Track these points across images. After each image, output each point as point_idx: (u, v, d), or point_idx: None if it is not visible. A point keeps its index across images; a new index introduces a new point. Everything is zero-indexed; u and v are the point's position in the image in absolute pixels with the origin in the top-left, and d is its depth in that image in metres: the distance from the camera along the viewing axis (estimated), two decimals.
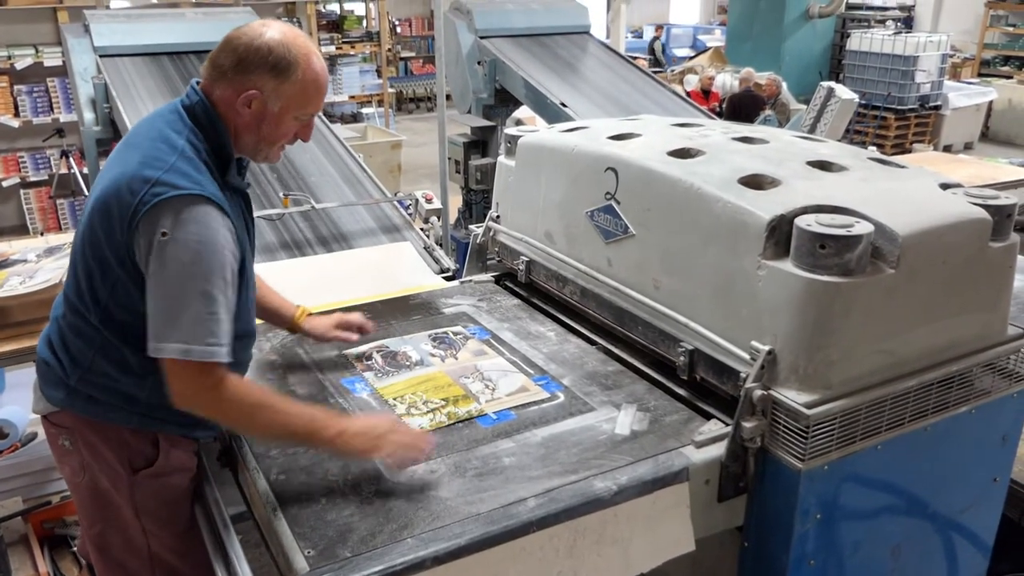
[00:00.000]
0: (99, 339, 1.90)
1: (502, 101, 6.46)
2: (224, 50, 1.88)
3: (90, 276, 1.87)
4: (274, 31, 1.87)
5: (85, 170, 6.49)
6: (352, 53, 12.28)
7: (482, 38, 6.38)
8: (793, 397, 1.80)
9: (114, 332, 1.89)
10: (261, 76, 1.85)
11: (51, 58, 8.22)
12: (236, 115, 1.89)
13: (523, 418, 2.04)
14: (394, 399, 2.13)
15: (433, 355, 2.36)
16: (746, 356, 1.89)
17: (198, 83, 1.93)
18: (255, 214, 3.89)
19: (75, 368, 1.94)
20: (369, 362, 2.32)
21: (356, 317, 2.39)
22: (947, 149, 11.77)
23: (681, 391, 2.13)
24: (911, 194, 2.02)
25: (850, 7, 15.23)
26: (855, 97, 8.64)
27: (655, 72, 9.42)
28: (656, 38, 17.58)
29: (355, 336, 2.36)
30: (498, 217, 2.92)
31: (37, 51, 8.30)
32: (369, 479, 1.80)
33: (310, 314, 2.39)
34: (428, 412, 2.06)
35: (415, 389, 2.17)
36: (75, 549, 3.11)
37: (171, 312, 1.75)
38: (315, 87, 1.92)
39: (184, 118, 1.89)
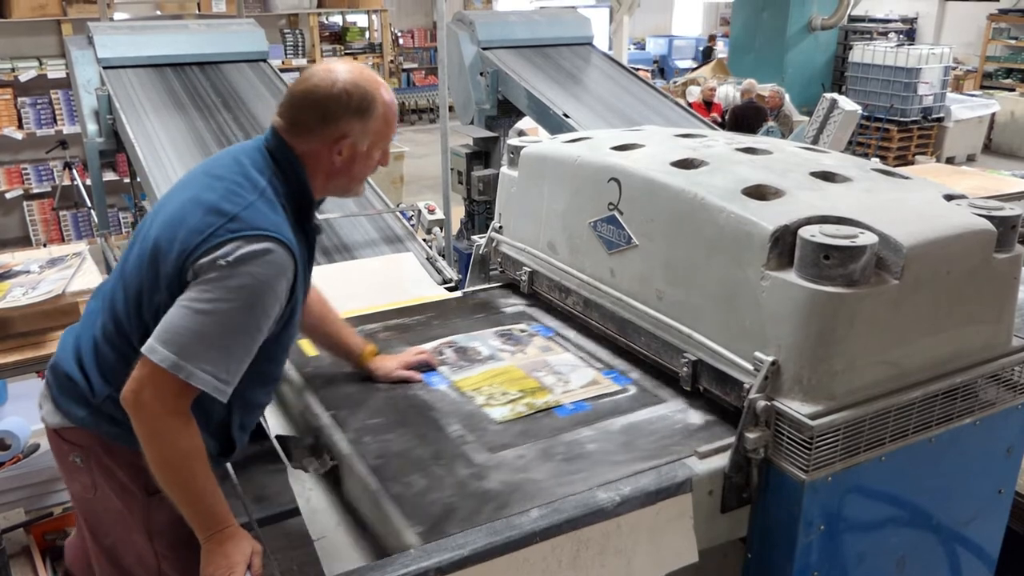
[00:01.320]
0: (136, 361, 1.82)
1: (504, 112, 6.47)
2: (303, 105, 1.88)
3: (139, 295, 1.84)
4: (343, 73, 1.88)
5: (88, 182, 6.49)
6: None
7: (484, 49, 6.40)
8: (797, 408, 1.79)
9: None
10: (349, 122, 1.87)
11: (55, 70, 8.25)
12: (329, 163, 1.91)
13: (599, 408, 2.10)
14: (472, 390, 2.20)
15: (502, 350, 2.42)
16: (749, 367, 1.89)
17: (275, 130, 1.92)
18: None
19: (105, 387, 1.89)
20: (441, 357, 2.38)
21: (423, 357, 2.34)
22: (950, 161, 11.77)
23: None
24: (915, 205, 2.02)
25: (852, 19, 15.31)
26: (858, 109, 8.66)
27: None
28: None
29: (420, 377, 2.29)
30: (501, 228, 2.92)
31: (41, 63, 8.33)
32: (463, 462, 1.89)
33: (376, 353, 2.34)
34: (507, 403, 2.13)
35: (491, 382, 2.24)
36: None
37: (192, 328, 1.71)
38: (393, 113, 1.97)
39: (267, 159, 1.90)
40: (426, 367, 2.33)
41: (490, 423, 2.05)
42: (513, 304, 2.78)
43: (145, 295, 1.83)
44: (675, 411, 2.08)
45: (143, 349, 1.74)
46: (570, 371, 2.29)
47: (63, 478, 2.11)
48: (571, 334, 2.53)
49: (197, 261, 1.73)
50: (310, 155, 1.90)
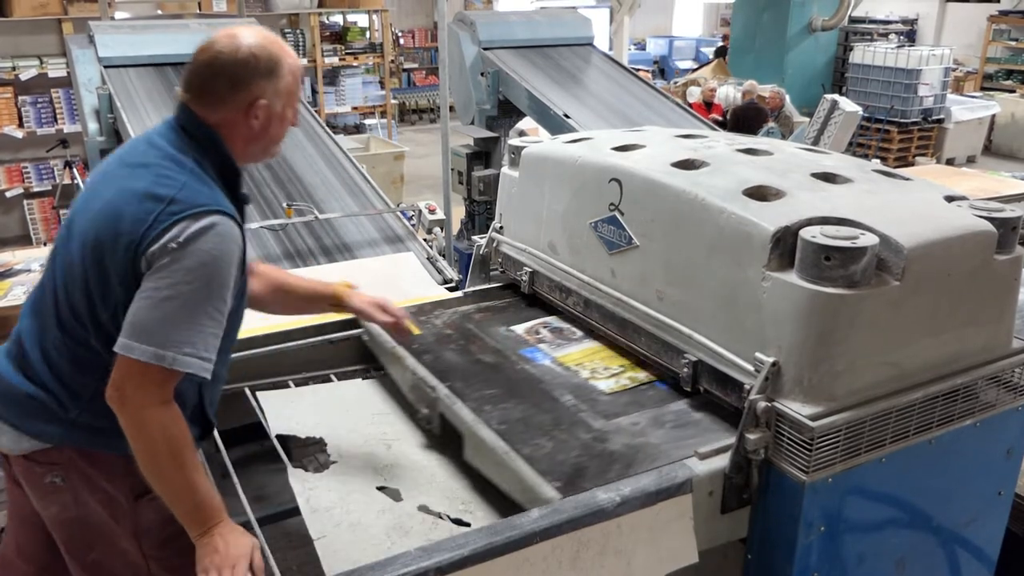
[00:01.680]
0: (102, 364, 1.80)
1: (505, 112, 6.46)
2: (210, 75, 1.86)
3: (90, 297, 1.81)
4: (246, 37, 1.87)
5: (89, 180, 6.49)
6: (355, 64, 12.31)
7: (485, 49, 6.39)
8: (797, 409, 1.79)
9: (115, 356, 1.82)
10: (260, 85, 1.86)
11: (55, 69, 8.25)
12: (247, 129, 1.89)
13: None
14: (575, 365, 2.36)
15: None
16: (750, 368, 1.89)
17: (185, 105, 1.90)
18: (259, 224, 3.90)
19: (76, 400, 1.86)
20: (539, 335, 2.56)
21: (392, 305, 2.35)
22: (950, 162, 11.78)
23: None
24: (916, 206, 2.02)
25: (853, 20, 15.29)
26: (859, 110, 8.65)
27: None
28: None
29: (387, 318, 2.31)
30: (501, 228, 2.92)
31: (41, 62, 8.33)
32: (583, 428, 2.04)
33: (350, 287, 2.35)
34: (611, 376, 2.29)
35: (591, 358, 2.40)
36: None
37: (160, 315, 1.71)
38: (299, 71, 1.97)
39: (183, 137, 1.88)
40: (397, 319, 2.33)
41: (599, 394, 2.20)
42: None
43: (96, 296, 1.81)
44: None
45: (117, 348, 1.73)
46: None
47: (35, 504, 1.99)
48: None
49: (148, 249, 1.72)
50: (225, 124, 1.88)
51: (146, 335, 1.71)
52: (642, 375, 2.29)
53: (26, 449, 1.91)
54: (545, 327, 2.60)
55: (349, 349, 2.69)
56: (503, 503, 1.94)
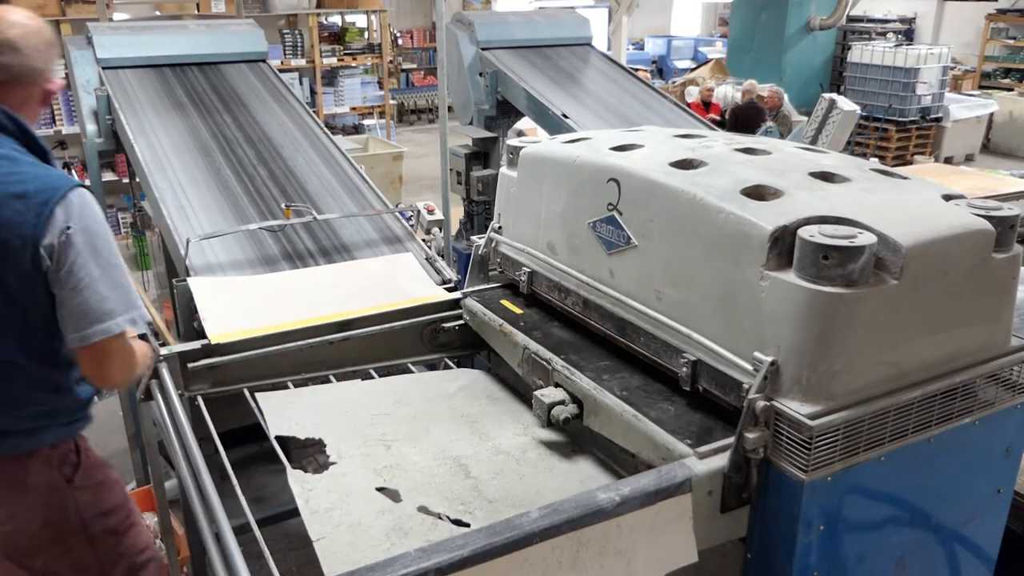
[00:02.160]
0: (22, 373, 1.87)
1: (504, 112, 6.46)
2: None
3: (19, 304, 1.85)
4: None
5: (87, 182, 6.49)
6: (354, 65, 12.33)
7: (484, 49, 6.39)
8: (796, 408, 1.79)
9: (36, 358, 1.87)
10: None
11: None
12: (34, 106, 1.96)
13: None
14: None
15: None
16: (749, 367, 1.89)
17: None
18: (257, 225, 3.89)
19: (23, 410, 1.90)
20: None
21: None
22: (948, 161, 11.79)
23: None
24: (914, 205, 2.02)
25: (851, 19, 15.30)
26: (857, 109, 8.65)
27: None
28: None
29: None
30: (500, 228, 2.92)
31: None
32: (684, 394, 2.12)
33: None
34: None
35: None
36: None
37: (104, 292, 1.78)
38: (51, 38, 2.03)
39: None
40: None
41: None
42: None
43: (27, 301, 1.84)
44: None
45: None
46: None
47: None
48: None
49: (42, 243, 1.77)
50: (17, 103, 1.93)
51: (102, 316, 1.79)
52: None
53: None
54: None
55: (455, 334, 2.89)
56: (502, 505, 1.95)
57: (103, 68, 5.09)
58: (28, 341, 1.85)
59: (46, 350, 1.88)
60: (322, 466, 2.10)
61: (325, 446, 2.21)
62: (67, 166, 8.01)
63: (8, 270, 1.79)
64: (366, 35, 12.86)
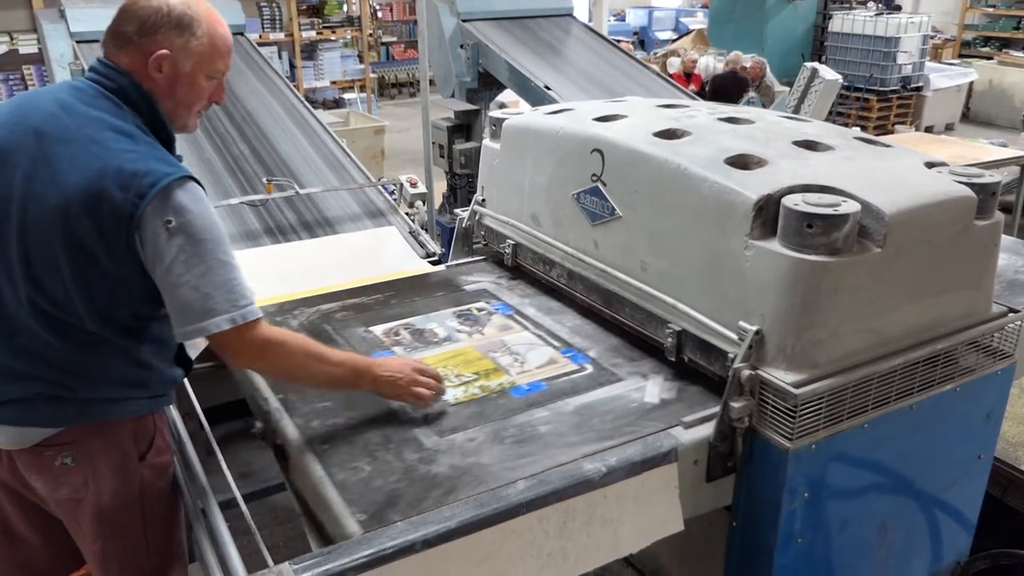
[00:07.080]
0: (100, 340, 1.83)
1: (485, 85, 6.43)
2: (123, 19, 1.85)
3: (77, 284, 1.79)
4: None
5: None
6: (333, 38, 12.21)
7: (464, 21, 6.35)
8: (781, 377, 1.80)
9: (117, 331, 1.84)
10: (167, 35, 1.84)
11: (26, 45, 8.13)
12: (150, 82, 1.87)
13: (554, 389, 2.09)
14: None
15: (459, 331, 2.41)
16: (734, 336, 1.90)
17: (104, 62, 1.88)
18: (239, 200, 3.87)
19: (80, 380, 1.86)
20: (397, 337, 2.37)
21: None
22: (928, 130, 11.81)
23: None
24: (897, 173, 2.03)
25: None
26: (839, 78, 8.66)
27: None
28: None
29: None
30: (483, 201, 2.91)
31: (12, 38, 8.21)
32: (413, 446, 1.86)
33: None
34: (460, 385, 2.11)
35: (446, 363, 2.22)
36: None
37: (205, 291, 1.75)
38: (222, 42, 1.92)
39: (118, 103, 1.85)
40: None
41: (443, 405, 2.02)
42: (475, 281, 2.77)
43: (82, 282, 1.79)
44: (631, 390, 2.07)
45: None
46: (527, 351, 2.28)
47: (42, 491, 1.98)
48: (531, 311, 2.53)
49: (142, 233, 1.74)
50: (134, 69, 1.86)
51: (208, 313, 1.76)
52: (495, 383, 2.11)
53: (34, 440, 1.90)
54: (406, 328, 2.42)
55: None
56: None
57: (77, 42, 5.02)
58: (114, 315, 1.82)
59: (134, 326, 1.86)
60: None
61: None
62: None
63: (102, 245, 1.75)
64: (345, 8, 12.72)
